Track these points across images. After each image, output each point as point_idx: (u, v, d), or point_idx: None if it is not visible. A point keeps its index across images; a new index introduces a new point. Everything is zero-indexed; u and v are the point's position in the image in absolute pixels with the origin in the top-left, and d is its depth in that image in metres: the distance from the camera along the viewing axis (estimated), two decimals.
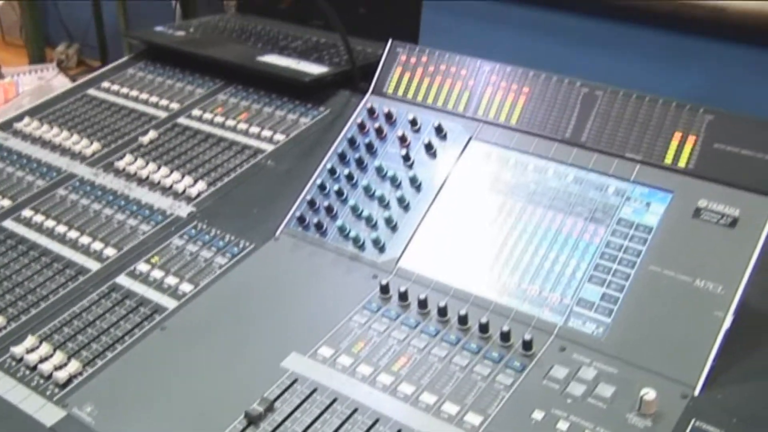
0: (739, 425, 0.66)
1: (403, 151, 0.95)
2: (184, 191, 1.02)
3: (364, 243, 0.89)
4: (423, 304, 0.80)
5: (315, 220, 0.92)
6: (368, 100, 1.03)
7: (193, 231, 0.96)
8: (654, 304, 0.76)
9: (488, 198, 0.89)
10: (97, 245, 0.94)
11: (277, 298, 0.85)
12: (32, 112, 1.23)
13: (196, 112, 1.17)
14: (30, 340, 0.81)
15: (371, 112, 1.01)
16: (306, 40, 1.36)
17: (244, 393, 0.73)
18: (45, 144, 1.15)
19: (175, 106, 1.20)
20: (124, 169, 1.07)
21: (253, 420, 0.70)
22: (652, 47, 1.37)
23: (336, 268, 0.88)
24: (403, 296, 0.81)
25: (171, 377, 0.77)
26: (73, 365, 0.78)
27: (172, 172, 1.05)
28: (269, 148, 1.08)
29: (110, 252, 0.93)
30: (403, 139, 0.96)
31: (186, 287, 0.87)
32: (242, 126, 1.13)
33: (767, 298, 0.78)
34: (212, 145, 1.10)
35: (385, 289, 0.83)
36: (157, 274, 0.89)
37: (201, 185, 1.02)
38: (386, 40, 1.04)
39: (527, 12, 1.50)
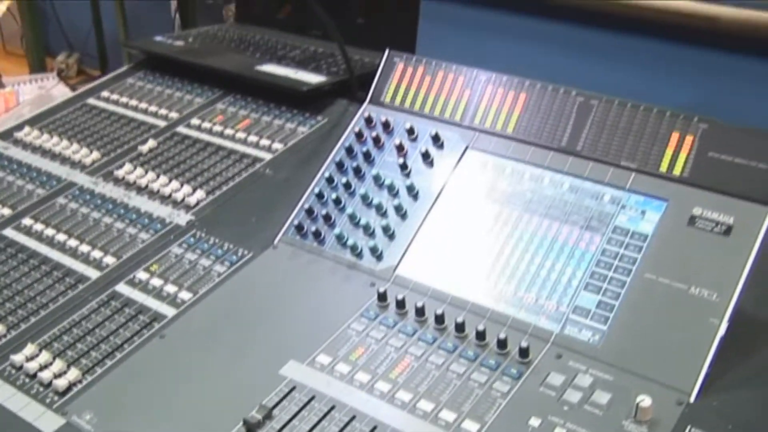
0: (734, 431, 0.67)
1: (401, 160, 0.96)
2: (183, 200, 1.03)
3: (361, 251, 0.90)
4: (420, 311, 0.81)
5: (313, 229, 0.93)
6: (366, 109, 1.03)
7: (192, 239, 0.96)
8: (649, 312, 0.76)
9: (485, 206, 0.89)
10: (97, 253, 0.95)
11: (276, 306, 0.85)
12: (32, 122, 1.24)
13: (195, 121, 1.18)
14: (30, 348, 0.82)
15: (369, 121, 1.01)
16: (304, 50, 1.37)
17: (242, 400, 0.73)
18: (45, 153, 1.16)
19: (174, 115, 1.21)
20: (123, 178, 1.08)
21: (251, 427, 0.70)
22: (646, 56, 1.38)
23: (334, 276, 0.89)
24: (401, 304, 0.82)
25: (170, 385, 0.77)
26: (73, 373, 0.79)
27: (171, 180, 1.06)
28: (267, 156, 1.09)
29: (110, 260, 0.94)
30: (400, 148, 0.97)
31: (185, 295, 0.88)
32: (241, 135, 1.13)
33: (761, 305, 0.78)
34: (211, 153, 1.11)
35: (382, 297, 0.83)
36: (156, 282, 0.90)
37: (200, 194, 1.03)
38: (384, 50, 1.05)
39: (523, 22, 1.51)
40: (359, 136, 1.00)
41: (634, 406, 0.68)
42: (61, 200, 1.05)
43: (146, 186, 1.06)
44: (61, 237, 0.98)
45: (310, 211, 0.95)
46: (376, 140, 0.99)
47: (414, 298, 0.82)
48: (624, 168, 0.86)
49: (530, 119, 0.93)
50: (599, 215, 0.84)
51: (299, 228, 0.94)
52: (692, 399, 0.70)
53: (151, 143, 1.14)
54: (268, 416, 0.71)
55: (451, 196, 0.92)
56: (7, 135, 1.21)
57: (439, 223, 0.90)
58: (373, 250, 0.89)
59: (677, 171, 0.84)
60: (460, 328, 0.78)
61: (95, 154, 1.13)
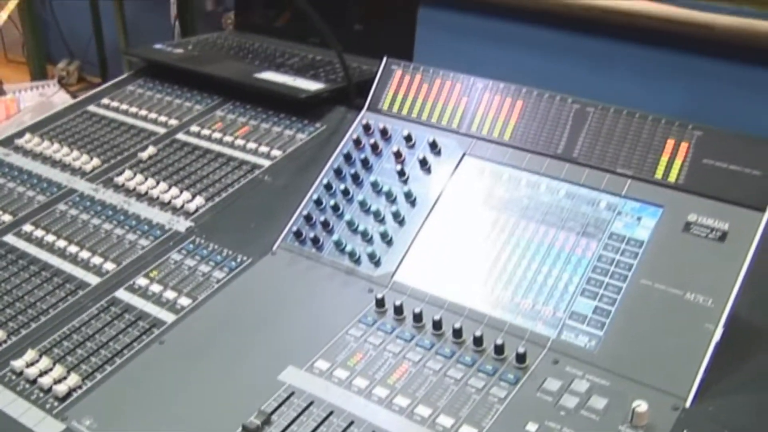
0: None
1: (398, 167, 0.96)
2: (182, 206, 1.03)
3: (359, 257, 0.90)
4: (418, 317, 0.81)
5: (311, 235, 0.94)
6: (364, 116, 1.04)
7: (192, 245, 0.97)
8: (645, 317, 0.77)
9: (482, 213, 0.90)
10: (97, 260, 0.95)
11: (274, 312, 0.86)
12: (33, 128, 1.24)
13: (194, 128, 1.19)
14: (30, 354, 0.82)
15: (367, 128, 1.02)
16: (302, 57, 1.38)
17: (241, 406, 0.73)
18: (45, 160, 1.17)
19: (173, 122, 1.21)
20: (123, 185, 1.09)
21: None
22: (642, 64, 1.39)
23: (332, 282, 0.89)
24: (399, 310, 0.82)
25: (169, 390, 0.77)
26: (73, 379, 0.79)
27: (170, 187, 1.07)
28: (266, 163, 1.10)
29: (109, 266, 0.94)
30: (398, 155, 0.98)
31: (184, 301, 0.88)
32: (240, 142, 1.14)
33: (756, 310, 0.79)
34: (210, 160, 1.12)
35: (380, 303, 0.84)
36: (156, 288, 0.90)
37: (199, 200, 1.04)
38: (381, 57, 1.06)
39: (520, 30, 1.52)
40: (357, 143, 1.01)
41: (630, 411, 0.69)
42: (61, 207, 1.06)
43: (146, 192, 1.06)
44: (61, 243, 0.99)
45: (308, 218, 0.95)
46: (374, 147, 1.00)
47: (412, 304, 0.83)
48: (620, 175, 0.87)
49: (527, 126, 0.94)
50: (595, 221, 0.85)
51: (298, 234, 0.95)
52: (688, 404, 0.70)
53: (151, 150, 1.15)
54: (267, 422, 0.72)
55: (449, 202, 0.92)
56: (8, 142, 1.22)
57: (437, 229, 0.90)
58: (371, 257, 0.89)
59: (672, 178, 0.85)
60: (457, 333, 0.79)
61: (95, 161, 1.14)
